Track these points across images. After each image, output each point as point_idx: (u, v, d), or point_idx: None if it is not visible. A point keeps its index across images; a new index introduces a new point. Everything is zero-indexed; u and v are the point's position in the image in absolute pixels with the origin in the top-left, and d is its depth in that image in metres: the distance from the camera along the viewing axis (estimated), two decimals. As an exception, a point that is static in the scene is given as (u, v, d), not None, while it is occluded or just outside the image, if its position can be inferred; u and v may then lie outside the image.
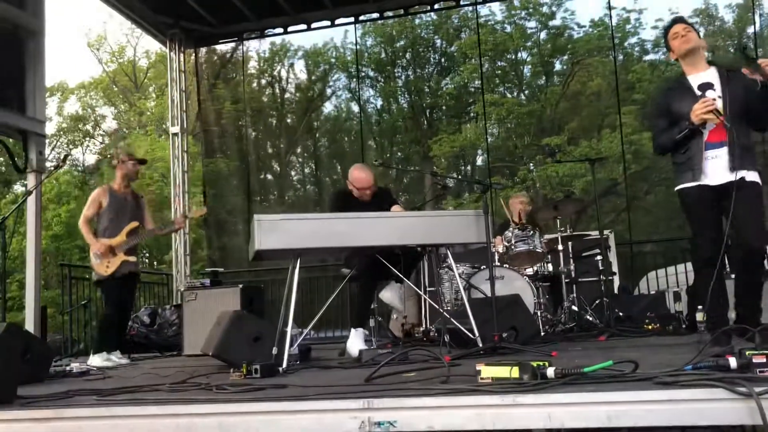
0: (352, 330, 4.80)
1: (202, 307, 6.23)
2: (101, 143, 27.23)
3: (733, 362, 2.30)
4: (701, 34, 3.90)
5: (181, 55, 10.06)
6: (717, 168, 3.68)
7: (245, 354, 3.78)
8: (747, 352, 2.27)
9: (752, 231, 3.57)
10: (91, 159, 26.96)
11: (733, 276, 4.08)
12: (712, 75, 3.81)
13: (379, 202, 5.09)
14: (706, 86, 3.78)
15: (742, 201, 3.54)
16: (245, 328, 4.12)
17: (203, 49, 11.99)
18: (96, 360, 5.46)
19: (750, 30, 16.81)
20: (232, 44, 13.13)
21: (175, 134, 9.86)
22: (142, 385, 3.14)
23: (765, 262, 4.31)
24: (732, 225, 3.62)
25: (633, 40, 19.31)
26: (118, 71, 27.71)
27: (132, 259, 5.80)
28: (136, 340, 7.13)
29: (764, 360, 2.23)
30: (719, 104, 3.67)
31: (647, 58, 19.28)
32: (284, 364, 3.71)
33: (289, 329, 3.89)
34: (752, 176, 3.66)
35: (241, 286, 6.24)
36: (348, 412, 2.26)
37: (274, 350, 3.88)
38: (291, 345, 3.93)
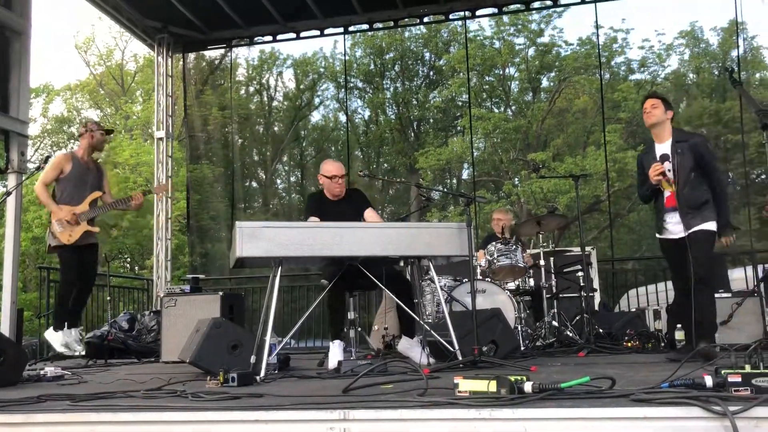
0: (331, 343, 4.75)
1: (182, 313, 6.15)
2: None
3: (709, 381, 2.31)
4: (673, 104, 4.74)
5: (169, 59, 10.02)
6: (673, 227, 4.57)
7: (223, 362, 3.75)
8: (722, 371, 2.28)
9: (694, 265, 4.33)
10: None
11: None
12: (668, 147, 4.57)
13: (351, 201, 5.12)
14: (664, 158, 4.59)
15: (691, 247, 4.38)
16: (224, 336, 4.08)
17: (191, 55, 11.98)
18: (55, 338, 5.31)
19: (734, 53, 17.07)
20: (221, 51, 13.14)
21: (160, 139, 9.80)
22: (116, 391, 3.09)
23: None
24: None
25: (620, 59, 19.56)
26: (106, 74, 27.57)
27: (95, 229, 5.68)
28: (114, 345, 7.03)
29: (739, 379, 2.24)
30: (670, 176, 4.49)
31: (633, 77, 19.52)
32: (262, 373, 3.69)
33: (268, 338, 3.86)
34: (707, 226, 4.43)
35: (221, 293, 6.18)
36: (324, 423, 2.24)
37: (253, 359, 3.85)
38: (270, 354, 3.91)
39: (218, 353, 3.98)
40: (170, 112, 9.95)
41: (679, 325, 5.62)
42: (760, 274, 6.68)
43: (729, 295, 5.72)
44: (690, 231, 4.41)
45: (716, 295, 4.94)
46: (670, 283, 7.52)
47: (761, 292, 5.94)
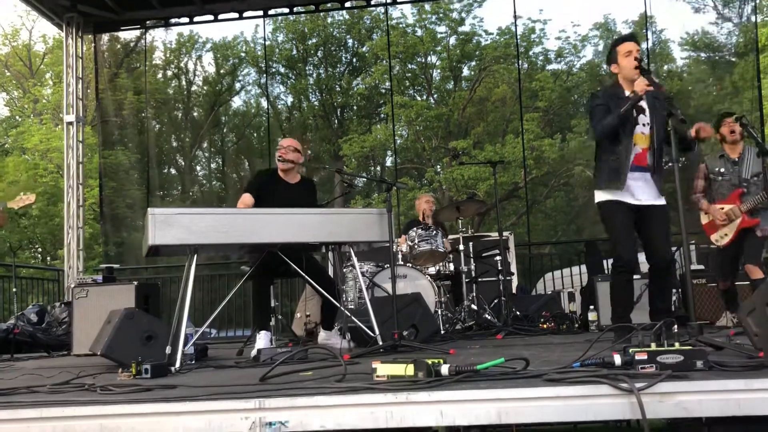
0: (257, 334, 4.66)
1: (94, 304, 5.92)
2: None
3: (618, 359, 2.39)
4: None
5: (79, 40, 9.56)
6: (637, 189, 3.97)
7: (136, 353, 3.61)
8: (630, 350, 2.37)
9: (663, 247, 4.00)
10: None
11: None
12: (644, 100, 3.95)
13: (305, 191, 5.02)
14: (640, 110, 3.94)
15: (656, 221, 3.96)
16: (137, 326, 3.94)
17: (105, 36, 11.48)
18: None
19: (644, 46, 17.75)
20: (137, 33, 12.68)
21: (70, 123, 9.35)
22: (18, 387, 2.93)
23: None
24: (644, 240, 4.02)
25: (537, 49, 20.02)
26: (11, 55, 26.06)
27: None
28: (20, 339, 6.70)
29: (646, 357, 2.32)
30: (647, 131, 3.95)
31: (550, 67, 20.04)
32: (177, 364, 3.58)
33: (183, 327, 3.75)
34: (662, 199, 4.01)
35: (135, 283, 5.98)
36: (239, 413, 2.19)
37: (168, 349, 3.73)
38: (186, 344, 3.80)
39: (131, 344, 3.84)
40: (81, 95, 9.51)
41: (591, 306, 5.82)
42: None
43: (639, 276, 5.97)
44: (658, 203, 3.96)
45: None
46: (584, 267, 7.80)
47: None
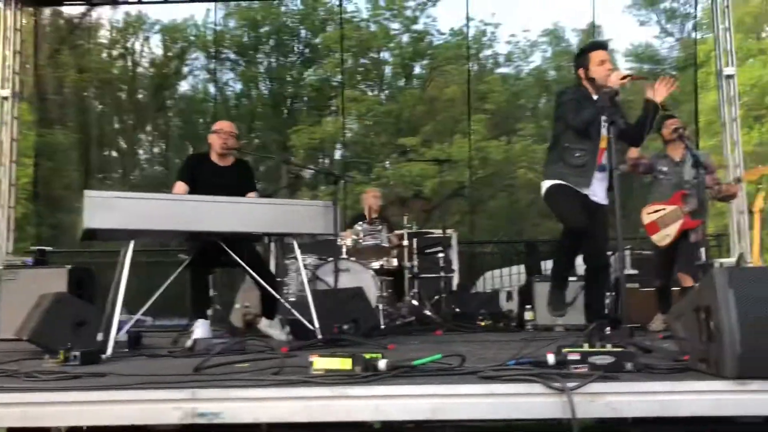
0: (194, 323, 4.58)
1: (23, 288, 5.70)
2: None
3: (551, 359, 2.44)
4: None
5: (18, 12, 9.18)
6: (598, 188, 4.14)
7: (66, 340, 3.50)
8: (564, 350, 2.42)
9: (602, 249, 4.19)
10: None
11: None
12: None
13: (238, 173, 4.92)
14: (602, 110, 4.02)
15: (599, 223, 4.09)
16: (68, 311, 3.82)
17: (47, 10, 11.09)
18: None
19: (591, 54, 18.10)
20: (82, 9, 12.29)
21: (5, 98, 8.97)
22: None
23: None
24: (586, 240, 4.08)
25: (488, 52, 20.23)
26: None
27: None
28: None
29: (578, 357, 2.38)
30: (605, 132, 4.01)
31: (499, 70, 20.29)
32: (109, 352, 3.49)
33: (116, 314, 3.65)
34: (608, 199, 4.14)
35: (69, 267, 5.78)
36: (171, 403, 2.15)
37: (99, 336, 3.63)
38: (119, 331, 3.70)
39: (60, 330, 3.72)
40: (17, 69, 9.14)
41: (528, 306, 5.93)
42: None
43: (575, 278, 6.10)
44: (605, 203, 4.08)
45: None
46: (522, 267, 7.95)
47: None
